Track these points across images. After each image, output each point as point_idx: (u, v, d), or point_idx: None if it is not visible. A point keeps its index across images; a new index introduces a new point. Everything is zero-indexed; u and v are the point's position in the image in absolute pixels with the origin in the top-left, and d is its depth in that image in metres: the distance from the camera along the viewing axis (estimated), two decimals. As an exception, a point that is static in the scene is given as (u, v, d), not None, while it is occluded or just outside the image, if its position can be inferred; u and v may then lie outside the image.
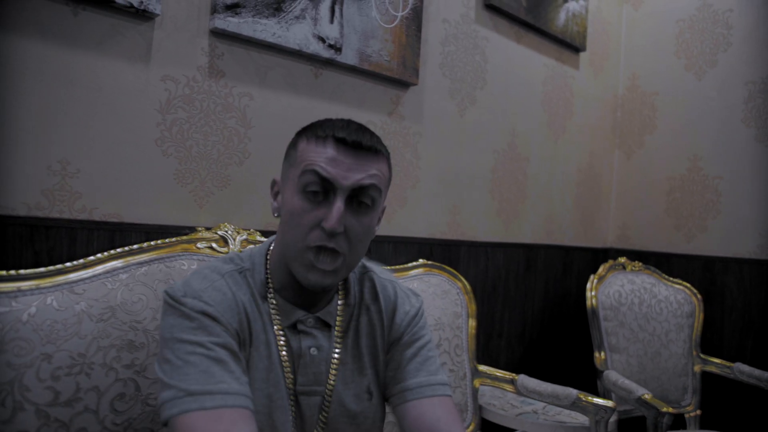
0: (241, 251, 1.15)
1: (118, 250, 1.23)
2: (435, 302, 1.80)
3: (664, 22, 2.67)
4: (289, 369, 0.97)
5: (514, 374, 1.84)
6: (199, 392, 0.82)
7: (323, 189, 0.89)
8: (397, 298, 1.09)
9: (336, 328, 1.01)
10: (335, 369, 1.00)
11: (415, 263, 1.83)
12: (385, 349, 1.07)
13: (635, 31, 2.78)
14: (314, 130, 0.91)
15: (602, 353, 2.10)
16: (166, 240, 1.30)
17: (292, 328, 0.98)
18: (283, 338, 0.97)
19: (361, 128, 0.92)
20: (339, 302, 1.03)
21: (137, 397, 1.17)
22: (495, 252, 2.22)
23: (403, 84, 1.88)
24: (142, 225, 1.36)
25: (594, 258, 2.70)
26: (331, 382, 1.00)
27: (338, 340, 1.01)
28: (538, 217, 2.42)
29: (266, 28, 1.52)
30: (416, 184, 1.96)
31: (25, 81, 1.20)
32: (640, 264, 2.37)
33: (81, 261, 1.18)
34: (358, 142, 0.89)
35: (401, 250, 1.90)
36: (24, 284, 1.11)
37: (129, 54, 1.33)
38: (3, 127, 1.17)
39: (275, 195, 0.99)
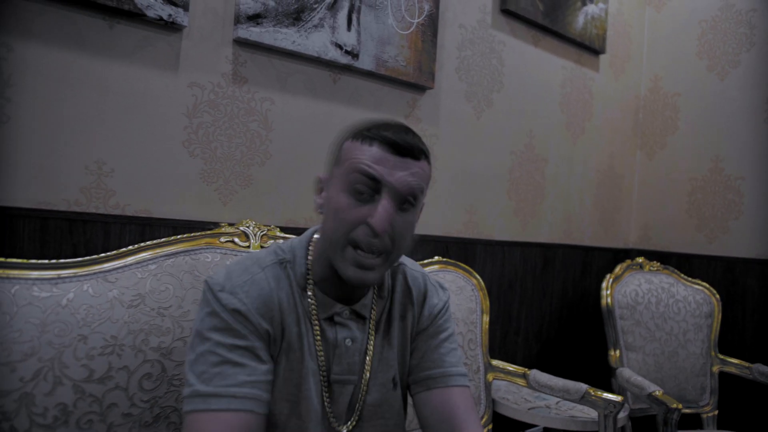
0: (282, 242, 1.14)
1: (148, 242, 1.34)
2: (450, 298, 1.87)
3: (686, 23, 2.67)
4: (323, 359, 1.01)
5: (526, 369, 1.89)
6: (208, 393, 0.87)
7: (369, 188, 0.90)
8: (427, 291, 1.13)
9: (370, 320, 1.06)
10: (369, 359, 1.05)
11: (431, 260, 1.90)
12: (412, 339, 1.12)
13: (657, 32, 2.79)
14: (360, 130, 0.93)
15: (617, 351, 2.13)
16: (192, 234, 1.41)
17: (329, 319, 1.02)
18: (318, 330, 1.01)
19: (405, 128, 0.94)
20: (374, 295, 1.07)
21: (163, 377, 1.27)
22: (512, 250, 2.27)
23: (419, 88, 1.95)
24: (170, 220, 1.47)
25: (614, 258, 2.71)
26: (365, 371, 1.05)
27: (372, 331, 1.06)
28: (557, 217, 2.46)
29: (286, 37, 1.61)
30: (433, 184, 2.03)
31: (65, 89, 1.32)
32: (659, 264, 2.39)
33: (114, 252, 1.29)
34: (403, 141, 0.90)
35: (417, 248, 1.97)
36: (63, 272, 1.23)
37: (159, 63, 1.44)
38: (46, 130, 1.30)
39: (319, 191, 1.01)
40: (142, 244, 1.33)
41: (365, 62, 1.78)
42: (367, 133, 0.92)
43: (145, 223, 1.43)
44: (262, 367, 0.93)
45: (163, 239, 1.36)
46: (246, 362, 0.91)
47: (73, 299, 1.21)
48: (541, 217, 2.40)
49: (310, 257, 1.03)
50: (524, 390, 2.10)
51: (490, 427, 1.88)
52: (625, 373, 2.00)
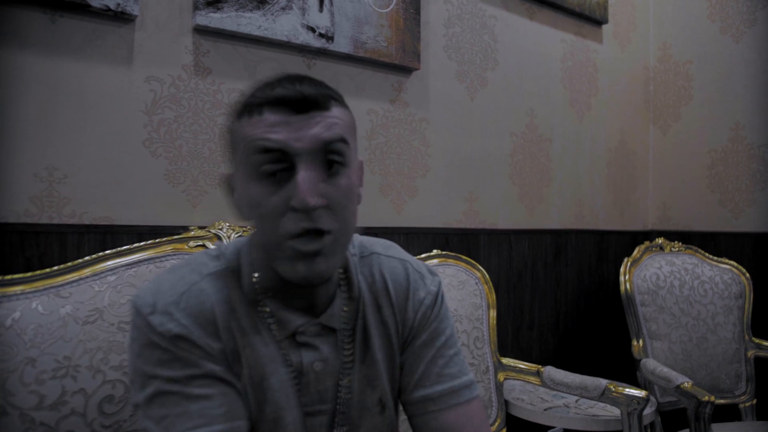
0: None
1: (107, 252, 1.23)
2: (451, 293, 1.73)
3: (694, -15, 2.49)
4: (296, 386, 0.82)
5: (539, 366, 1.74)
6: None
7: (279, 165, 0.71)
8: (410, 284, 0.90)
9: (342, 333, 0.84)
10: (344, 384, 0.84)
11: (428, 254, 1.76)
12: (400, 349, 0.90)
13: (663, -3, 2.61)
14: (245, 103, 0.74)
15: (640, 341, 1.96)
16: (157, 240, 1.29)
17: (291, 339, 0.81)
18: (284, 351, 0.81)
19: (299, 78, 0.74)
20: (342, 299, 0.85)
21: (126, 399, 1.15)
22: (519, 239, 2.12)
23: (404, 69, 1.81)
24: (134, 227, 1.35)
25: (633, 242, 2.54)
26: (340, 398, 0.84)
27: (346, 347, 0.84)
28: (566, 201, 2.30)
29: (251, 22, 1.49)
30: (426, 172, 1.89)
31: (6, 91, 1.21)
32: (680, 244, 2.21)
33: (68, 264, 1.18)
34: (299, 93, 0.71)
35: (414, 242, 1.83)
36: (9, 290, 1.11)
37: (110, 57, 1.33)
38: (-13, 136, 1.19)
39: (231, 192, 0.81)
40: (101, 254, 1.22)
41: (341, 45, 1.65)
42: (251, 103, 0.73)
43: (106, 231, 1.32)
44: (230, 391, 0.77)
45: (124, 247, 1.24)
46: (210, 392, 0.75)
47: (20, 319, 1.09)
48: (549, 201, 2.24)
49: (255, 261, 0.82)
50: (541, 389, 1.95)
51: (504, 430, 1.73)
52: (650, 364, 1.83)
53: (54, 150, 1.27)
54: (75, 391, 1.10)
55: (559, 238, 2.25)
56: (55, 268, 1.17)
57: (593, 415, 1.70)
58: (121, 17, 1.33)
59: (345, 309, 0.85)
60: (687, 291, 2.06)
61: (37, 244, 1.24)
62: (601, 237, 2.42)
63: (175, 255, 1.31)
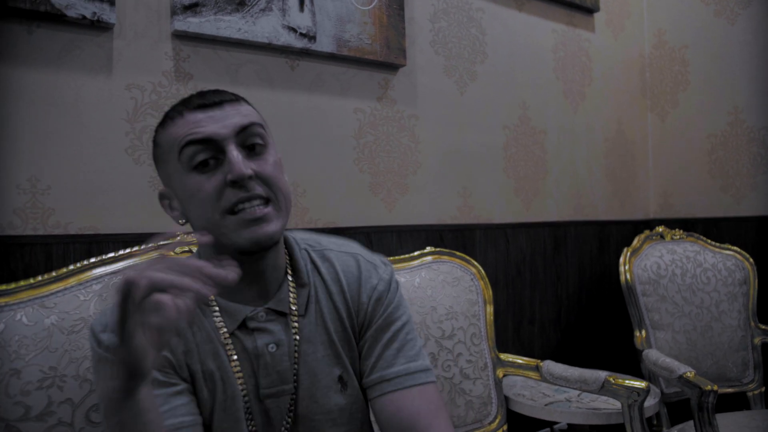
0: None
1: (92, 260, 1.22)
2: (446, 290, 1.71)
3: (686, -32, 2.46)
4: (244, 374, 0.88)
5: (538, 360, 1.72)
6: None
7: (209, 153, 0.80)
8: (361, 273, 0.96)
9: (292, 315, 0.90)
10: (298, 362, 0.90)
11: (421, 251, 1.74)
12: (357, 335, 0.95)
13: (656, -18, 2.58)
14: (165, 117, 0.85)
15: (642, 331, 1.93)
16: (141, 247, 1.29)
17: (243, 327, 0.88)
18: (230, 343, 0.87)
19: (208, 90, 0.86)
20: (290, 285, 0.92)
21: (115, 407, 1.15)
22: (516, 233, 2.09)
23: (390, 66, 1.80)
24: (119, 235, 1.35)
25: (634, 231, 2.49)
26: (297, 377, 0.90)
27: (295, 328, 0.90)
28: (564, 193, 2.27)
29: (230, 25, 1.49)
30: (417, 169, 1.87)
31: (-15, 103, 1.22)
32: (681, 231, 2.17)
33: (52, 275, 1.18)
34: (212, 99, 0.83)
35: (407, 239, 1.82)
36: (-7, 302, 1.12)
37: (89, 66, 1.33)
38: (-33, 150, 1.20)
39: (170, 207, 0.89)
40: (85, 263, 1.21)
41: (324, 44, 1.64)
42: (173, 112, 0.84)
43: (91, 241, 1.32)
44: (179, 394, 0.84)
45: (108, 256, 1.24)
46: (178, 402, 0.82)
47: (4, 331, 1.09)
48: (546, 194, 2.21)
49: None
50: (543, 384, 1.92)
51: (505, 428, 1.71)
52: (652, 355, 1.80)
53: (36, 161, 1.27)
54: (62, 401, 1.10)
55: (557, 230, 2.23)
56: (39, 278, 1.17)
57: (595, 409, 1.67)
58: (98, 26, 1.33)
59: (293, 294, 0.91)
60: (689, 279, 2.02)
61: (22, 256, 1.24)
62: (601, 228, 2.39)
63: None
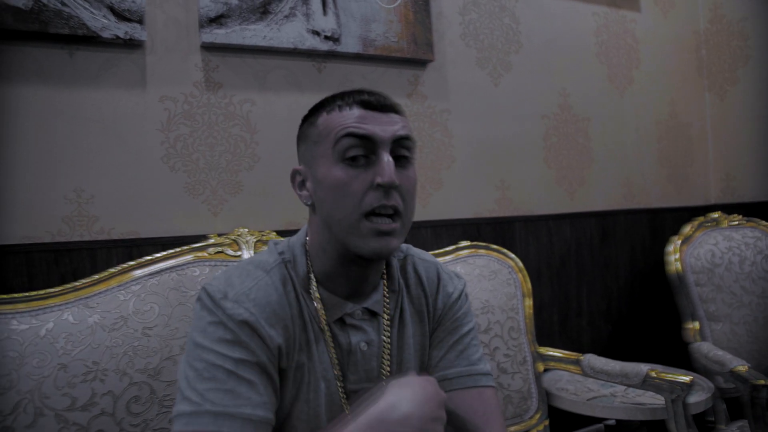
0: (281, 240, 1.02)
1: (131, 263, 1.32)
2: (482, 284, 1.70)
3: (742, -65, 2.30)
4: (338, 367, 0.91)
5: (579, 354, 1.67)
6: (219, 413, 0.76)
7: (364, 150, 0.83)
8: (440, 281, 1.02)
9: (385, 318, 0.94)
10: (387, 363, 0.94)
11: (456, 245, 1.74)
12: (430, 334, 1.00)
13: (710, -46, 2.43)
14: (333, 102, 0.87)
15: (695, 323, 1.84)
16: (177, 249, 1.37)
17: (339, 322, 0.91)
18: (330, 335, 0.90)
19: (374, 91, 0.88)
20: (384, 290, 0.95)
21: (153, 399, 1.23)
22: (559, 224, 2.04)
23: (418, 63, 1.81)
24: (158, 239, 1.44)
25: (692, 218, 2.37)
26: (384, 377, 0.93)
27: (387, 331, 0.94)
28: (612, 181, 2.19)
29: (256, 33, 1.55)
30: (451, 164, 1.87)
31: (34, 124, 1.33)
32: (740, 217, 2.04)
33: (95, 277, 1.28)
34: (381, 98, 0.86)
35: (442, 234, 1.82)
36: (44, 303, 1.23)
37: (125, 82, 1.43)
38: (21, 167, 1.32)
39: (300, 185, 0.91)
40: (125, 265, 1.31)
41: (349, 45, 1.67)
42: (342, 101, 0.86)
43: (132, 245, 1.41)
44: (270, 386, 0.83)
45: (145, 258, 1.33)
46: (256, 380, 0.81)
47: (53, 329, 1.20)
48: (592, 183, 2.14)
49: (309, 256, 0.92)
50: (590, 379, 1.86)
51: (547, 422, 1.68)
52: (704, 348, 1.71)
53: (80, 173, 1.38)
54: (104, 393, 1.19)
55: (605, 220, 2.15)
56: (84, 281, 1.27)
57: (639, 404, 1.61)
58: (131, 44, 1.42)
59: (386, 298, 0.95)
60: (748, 267, 1.90)
61: (70, 261, 1.35)
62: (653, 215, 2.28)
63: (195, 263, 1.38)
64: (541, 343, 1.94)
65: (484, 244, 1.77)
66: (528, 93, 2.01)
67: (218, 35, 1.50)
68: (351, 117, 0.83)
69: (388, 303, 0.95)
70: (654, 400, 1.64)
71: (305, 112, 0.88)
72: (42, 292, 1.23)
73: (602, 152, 2.17)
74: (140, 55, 1.45)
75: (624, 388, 1.77)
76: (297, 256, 0.91)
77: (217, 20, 1.50)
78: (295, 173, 0.92)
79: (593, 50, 2.17)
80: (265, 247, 1.41)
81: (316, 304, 0.89)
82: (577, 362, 1.66)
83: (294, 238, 0.95)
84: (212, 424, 0.75)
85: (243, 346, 0.80)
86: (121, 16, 1.39)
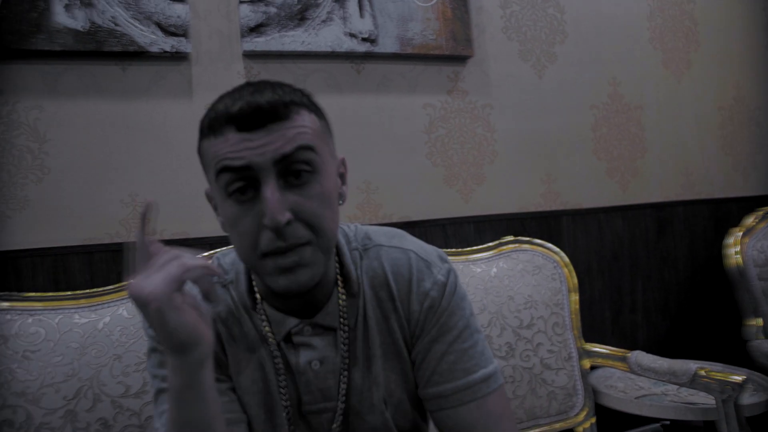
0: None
1: (181, 262, 1.41)
2: (525, 279, 1.69)
3: None
4: (287, 388, 0.84)
5: (626, 351, 1.63)
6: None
7: (246, 182, 0.71)
8: (413, 274, 0.85)
9: (341, 330, 0.83)
10: (345, 381, 0.84)
11: (499, 241, 1.74)
12: (408, 345, 0.87)
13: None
14: (208, 120, 0.74)
15: (758, 320, 1.74)
16: (222, 249, 1.45)
17: (287, 340, 0.83)
18: (278, 354, 0.83)
19: (258, 89, 0.72)
20: (341, 296, 0.84)
21: (199, 388, 1.33)
22: (611, 217, 1.98)
23: (457, 59, 1.81)
24: (206, 238, 1.53)
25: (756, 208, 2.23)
26: (342, 396, 0.84)
27: (345, 344, 0.84)
28: (668, 170, 2.10)
29: (294, 39, 1.60)
30: (494, 158, 1.86)
31: (93, 134, 1.46)
32: (811, 206, 1.91)
33: (147, 275, 1.38)
34: (255, 107, 0.70)
35: (485, 230, 1.82)
36: (102, 299, 1.35)
37: (173, 92, 1.53)
38: (82, 174, 1.44)
39: (215, 208, 0.82)
40: (174, 264, 1.40)
41: (387, 45, 1.70)
42: (211, 121, 0.73)
43: (182, 244, 1.49)
44: (226, 394, 0.82)
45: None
46: (223, 397, 0.81)
47: (109, 322, 1.31)
48: (647, 174, 2.06)
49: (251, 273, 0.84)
50: (642, 376, 1.80)
51: (593, 420, 1.65)
52: (765, 345, 1.62)
53: (134, 179, 1.49)
54: (154, 382, 1.30)
55: (661, 212, 2.07)
56: (138, 278, 1.38)
57: (690, 404, 1.55)
58: (178, 56, 1.52)
59: (343, 306, 0.84)
60: (820, 260, 1.78)
61: (126, 260, 1.46)
62: (716, 206, 2.16)
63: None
64: (592, 340, 1.89)
65: (527, 239, 1.75)
66: (575, 83, 1.97)
67: (258, 43, 1.57)
68: (225, 145, 0.71)
69: (345, 311, 0.84)
70: (707, 399, 1.57)
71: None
72: (100, 289, 1.35)
73: (657, 141, 2.08)
74: (186, 66, 1.54)
75: (677, 387, 1.70)
76: (239, 273, 0.85)
77: (256, 29, 1.57)
78: (208, 197, 0.83)
79: (646, 35, 2.08)
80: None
81: (261, 324, 0.83)
82: (624, 359, 1.61)
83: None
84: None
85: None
86: (167, 31, 1.49)
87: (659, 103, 2.09)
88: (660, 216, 2.06)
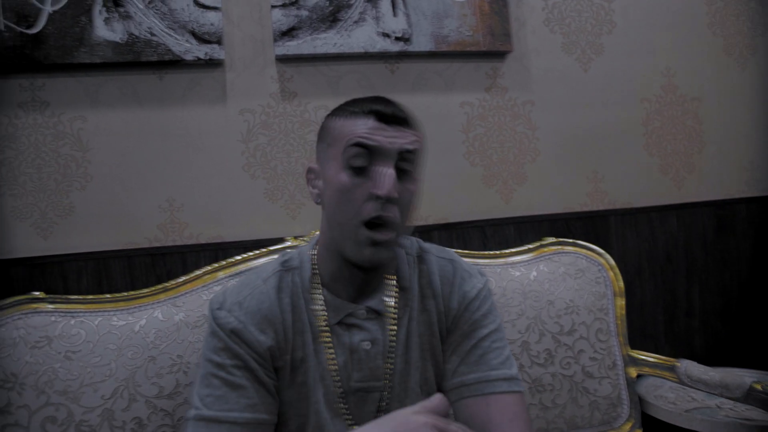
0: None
1: (214, 265, 1.44)
2: (567, 283, 1.62)
3: None
4: (335, 367, 0.94)
5: (674, 360, 1.53)
6: (210, 418, 0.85)
7: (369, 160, 0.86)
8: (455, 278, 1.01)
9: (390, 317, 0.96)
10: (391, 362, 0.96)
11: (540, 242, 1.68)
12: (443, 339, 0.99)
13: None
14: (347, 108, 0.90)
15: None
16: (255, 252, 1.47)
17: (342, 322, 0.95)
18: (328, 335, 0.94)
19: (392, 101, 0.91)
20: (393, 287, 0.98)
21: (230, 390, 1.35)
22: (664, 216, 1.87)
23: (496, 55, 1.75)
24: (241, 242, 1.56)
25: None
26: (388, 376, 0.96)
27: (392, 330, 0.96)
28: (729, 166, 1.95)
29: (326, 41, 1.60)
30: (536, 157, 1.79)
31: (132, 142, 1.51)
32: None
33: (180, 279, 1.42)
34: (394, 112, 0.88)
35: (526, 231, 1.75)
36: (139, 302, 1.39)
37: (208, 99, 1.56)
38: (122, 181, 1.50)
39: (312, 183, 0.96)
40: (208, 268, 1.44)
41: (421, 44, 1.66)
42: (356, 109, 0.88)
43: (218, 248, 1.54)
44: (262, 388, 0.90)
45: (224, 262, 1.45)
46: (247, 384, 0.88)
47: (145, 325, 1.36)
48: (704, 170, 1.93)
49: (315, 258, 0.98)
50: (696, 385, 1.70)
51: (640, 432, 1.56)
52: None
53: (172, 184, 1.53)
54: (186, 384, 1.33)
55: (721, 210, 1.93)
56: (173, 282, 1.42)
57: (746, 419, 1.44)
58: (212, 63, 1.55)
59: (393, 297, 0.97)
60: None
61: (164, 263, 1.51)
62: (786, 203, 2.00)
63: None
64: (643, 346, 1.80)
65: (570, 240, 1.68)
66: (624, 76, 1.86)
67: (290, 47, 1.57)
68: (362, 126, 0.86)
69: (396, 301, 0.97)
70: (767, 416, 1.45)
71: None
72: (137, 292, 1.40)
73: (716, 135, 1.94)
74: (220, 72, 1.57)
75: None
76: (304, 261, 0.97)
77: (288, 33, 1.57)
78: (309, 170, 0.96)
79: (704, 21, 1.94)
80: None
81: (317, 307, 0.94)
82: (672, 369, 1.52)
83: (305, 245, 1.03)
84: (205, 428, 0.85)
85: (233, 353, 0.89)
86: (201, 38, 1.52)
87: (719, 93, 1.94)
88: (719, 214, 1.92)
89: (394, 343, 0.96)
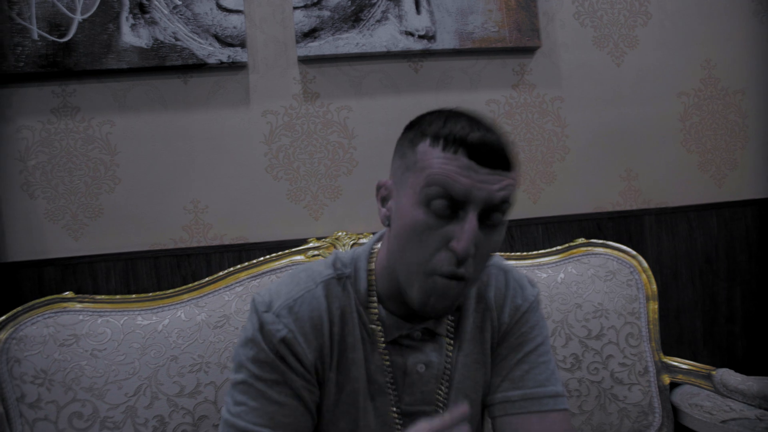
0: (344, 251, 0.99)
1: (238, 266, 1.46)
2: (596, 285, 1.57)
3: None
4: (391, 388, 0.88)
5: (711, 367, 1.46)
6: (242, 429, 0.79)
7: (451, 204, 0.74)
8: (508, 290, 0.94)
9: (447, 339, 0.90)
10: (445, 387, 0.90)
11: (569, 244, 1.63)
12: (492, 351, 0.94)
13: None
14: (440, 134, 0.75)
15: None
16: (278, 253, 1.48)
17: (395, 343, 0.88)
18: (386, 355, 0.87)
19: (492, 129, 0.76)
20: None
21: (250, 391, 1.36)
22: (703, 216, 1.78)
23: (523, 50, 1.70)
24: (264, 243, 1.57)
25: None
26: (440, 401, 0.90)
27: (449, 352, 0.90)
28: (776, 162, 1.85)
29: (348, 41, 1.59)
30: (565, 155, 1.73)
31: (158, 145, 1.54)
32: None
33: (204, 280, 1.44)
34: (493, 149, 0.73)
35: (555, 231, 1.70)
36: (163, 302, 1.42)
37: (231, 101, 1.57)
38: (148, 183, 1.54)
39: (383, 200, 0.85)
40: (230, 269, 1.46)
41: (445, 41, 1.63)
42: (449, 137, 0.74)
43: (241, 249, 1.56)
44: (301, 406, 0.83)
45: (246, 263, 1.46)
46: (285, 401, 0.81)
47: (168, 324, 1.39)
48: (748, 166, 1.83)
49: (373, 270, 0.88)
50: (736, 394, 1.61)
51: (673, 442, 1.50)
52: None
53: (196, 186, 1.56)
54: (207, 383, 1.35)
55: (766, 209, 1.82)
56: (196, 283, 1.44)
57: (787, 432, 1.36)
58: (235, 66, 1.56)
59: (452, 318, 0.91)
60: None
61: (189, 264, 1.54)
62: (838, 202, 1.87)
63: (293, 266, 1.49)
64: (681, 353, 1.73)
65: (600, 241, 1.62)
66: (660, 69, 1.78)
67: (312, 48, 1.57)
68: (452, 164, 0.73)
69: (452, 322, 0.90)
70: (810, 429, 1.37)
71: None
72: (161, 292, 1.43)
73: (762, 130, 1.83)
74: (244, 75, 1.58)
75: (777, 410, 1.50)
76: (359, 271, 0.87)
77: (310, 34, 1.57)
78: (380, 186, 0.85)
79: (750, 8, 1.84)
80: (354, 247, 1.41)
81: (372, 325, 0.86)
82: (708, 377, 1.45)
83: (360, 250, 0.90)
84: None
85: (275, 367, 0.80)
86: (224, 42, 1.53)
87: (762, 85, 1.84)
88: (764, 214, 1.82)
89: (449, 368, 0.90)
